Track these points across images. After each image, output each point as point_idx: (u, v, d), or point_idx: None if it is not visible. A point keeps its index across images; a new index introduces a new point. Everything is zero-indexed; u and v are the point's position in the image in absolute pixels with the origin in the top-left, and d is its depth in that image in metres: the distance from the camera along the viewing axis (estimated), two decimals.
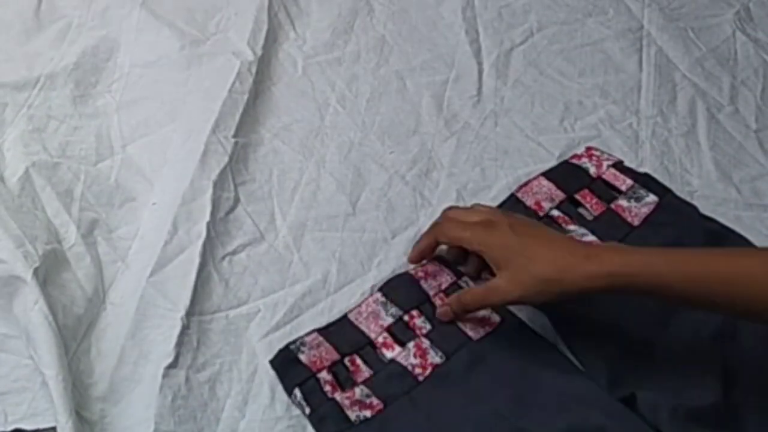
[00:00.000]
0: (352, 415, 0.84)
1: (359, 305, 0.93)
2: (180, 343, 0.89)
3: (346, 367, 0.88)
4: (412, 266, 0.97)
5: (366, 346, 0.90)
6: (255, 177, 1.08)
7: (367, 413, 0.84)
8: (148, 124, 1.13)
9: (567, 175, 1.07)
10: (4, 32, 1.21)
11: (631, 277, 0.78)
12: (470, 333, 0.90)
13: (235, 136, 1.10)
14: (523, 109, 1.21)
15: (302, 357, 0.88)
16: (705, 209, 1.05)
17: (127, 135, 1.11)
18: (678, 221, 1.01)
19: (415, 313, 0.92)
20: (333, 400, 0.85)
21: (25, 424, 0.83)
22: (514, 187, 1.08)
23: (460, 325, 0.91)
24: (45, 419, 0.83)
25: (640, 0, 1.37)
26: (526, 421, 0.82)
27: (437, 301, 0.93)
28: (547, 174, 1.07)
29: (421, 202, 1.08)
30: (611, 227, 1.00)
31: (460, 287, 0.95)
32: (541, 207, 1.03)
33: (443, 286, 0.95)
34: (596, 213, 1.02)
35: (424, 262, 0.97)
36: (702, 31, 1.33)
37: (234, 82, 1.15)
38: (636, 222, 1.01)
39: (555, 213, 1.02)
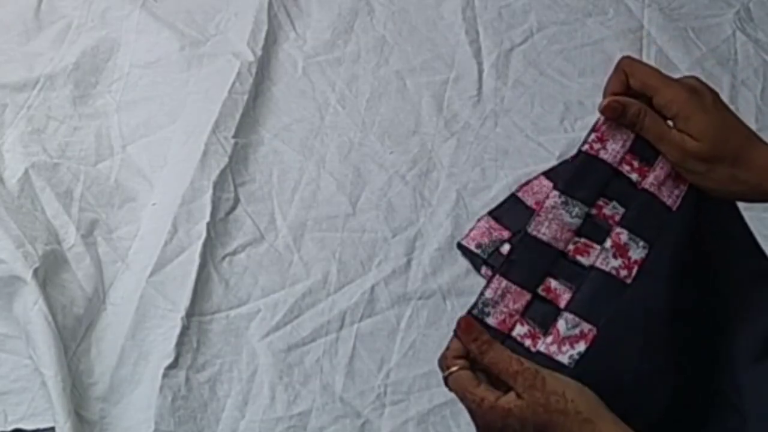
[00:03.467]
0: (564, 358, 0.72)
1: (538, 214, 0.77)
2: (180, 344, 0.89)
3: (542, 299, 0.74)
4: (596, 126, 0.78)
5: (558, 261, 0.75)
6: (255, 177, 1.08)
7: (581, 346, 0.72)
8: (148, 125, 1.13)
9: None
10: (4, 33, 1.21)
11: None
12: (667, 200, 0.76)
13: (235, 136, 1.10)
14: (523, 109, 1.21)
15: (490, 321, 0.74)
16: None
17: (127, 135, 1.11)
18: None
19: (601, 202, 0.76)
20: (538, 353, 0.73)
21: (25, 424, 0.83)
22: (515, 187, 1.08)
23: (654, 191, 0.76)
24: (44, 419, 0.83)
25: (640, 0, 1.37)
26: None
27: (624, 168, 0.76)
28: (548, 174, 1.07)
29: (421, 202, 1.08)
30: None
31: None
32: (541, 207, 1.00)
33: (628, 144, 0.77)
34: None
35: (599, 120, 0.78)
36: (702, 31, 1.33)
37: (234, 83, 1.15)
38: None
39: None
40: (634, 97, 0.73)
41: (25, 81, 1.13)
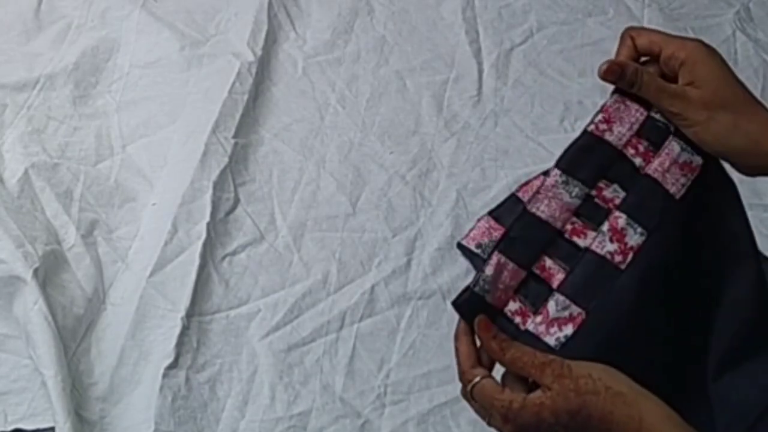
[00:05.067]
0: (551, 339, 0.73)
1: (537, 192, 0.77)
2: (180, 344, 0.89)
3: (537, 277, 0.76)
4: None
5: (554, 240, 0.75)
6: (255, 177, 1.08)
7: (569, 329, 0.73)
8: (148, 125, 1.13)
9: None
10: (4, 33, 1.21)
11: None
12: (671, 188, 0.75)
13: (235, 136, 1.10)
14: (523, 109, 1.21)
15: (489, 298, 0.75)
16: None
17: (127, 135, 1.11)
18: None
19: (602, 184, 0.76)
20: (526, 332, 0.74)
21: (25, 424, 0.83)
22: (515, 187, 1.08)
23: (657, 177, 0.75)
24: (44, 419, 0.83)
25: (640, 0, 1.37)
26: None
27: (629, 151, 0.76)
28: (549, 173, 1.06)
29: (421, 202, 1.08)
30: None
31: (655, 120, 0.77)
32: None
33: (635, 127, 0.77)
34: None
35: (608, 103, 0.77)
36: (702, 31, 1.33)
37: (234, 83, 1.15)
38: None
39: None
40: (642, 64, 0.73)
41: (25, 81, 1.13)
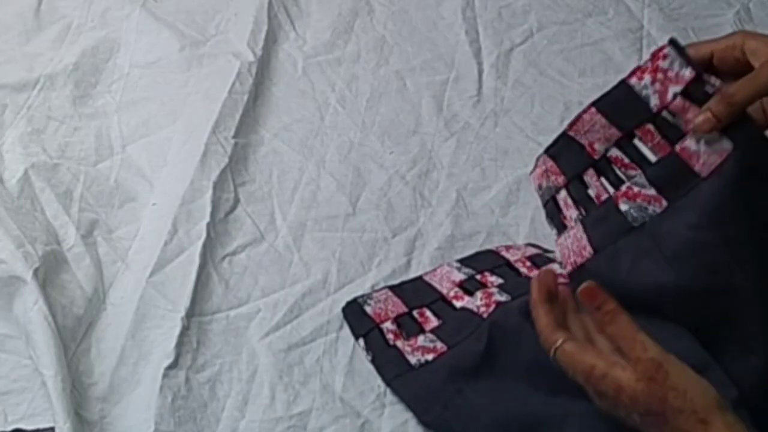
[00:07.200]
0: (413, 359, 0.87)
1: (434, 269, 0.97)
2: (180, 344, 0.89)
3: (414, 318, 0.92)
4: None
5: (437, 301, 0.93)
6: (255, 177, 1.08)
7: (429, 356, 0.87)
8: (147, 125, 1.13)
9: (623, 106, 0.81)
10: (3, 33, 1.21)
11: None
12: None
13: (235, 136, 1.10)
14: (523, 109, 1.21)
15: (368, 309, 0.92)
16: None
17: (127, 135, 1.11)
18: (755, 182, 0.73)
19: (488, 273, 0.94)
20: (394, 347, 0.89)
21: (25, 424, 0.83)
22: (515, 187, 1.08)
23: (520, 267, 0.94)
24: (45, 419, 0.83)
25: (640, 0, 1.37)
26: None
27: (519, 266, 0.94)
28: (600, 104, 0.82)
29: (421, 202, 1.08)
30: (674, 177, 0.76)
31: (548, 257, 0.95)
32: (594, 150, 0.82)
33: (527, 254, 0.96)
34: (659, 155, 0.78)
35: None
36: (702, 31, 1.33)
37: (234, 83, 1.15)
38: (704, 172, 0.74)
39: (613, 153, 0.81)
40: None
41: (25, 81, 1.13)
